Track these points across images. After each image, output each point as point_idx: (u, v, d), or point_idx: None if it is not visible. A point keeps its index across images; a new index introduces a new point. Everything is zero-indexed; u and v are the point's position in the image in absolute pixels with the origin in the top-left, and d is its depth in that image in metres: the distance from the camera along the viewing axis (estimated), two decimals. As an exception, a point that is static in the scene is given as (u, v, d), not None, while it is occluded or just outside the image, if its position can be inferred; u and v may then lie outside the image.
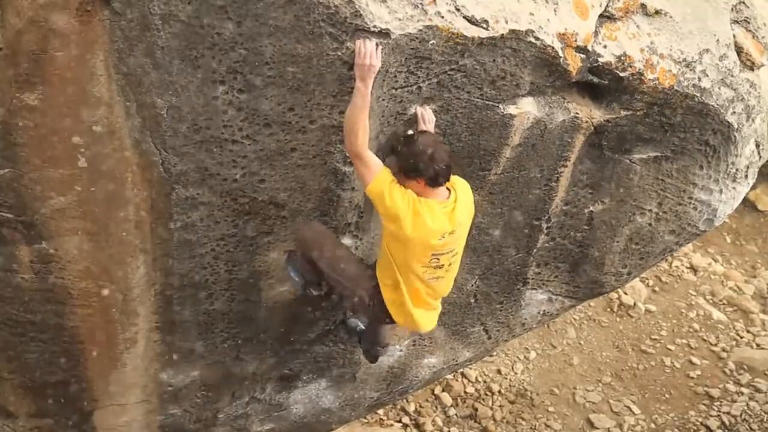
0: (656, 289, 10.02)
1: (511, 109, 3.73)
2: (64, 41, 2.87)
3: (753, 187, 6.76)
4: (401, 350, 5.02)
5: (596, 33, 3.70)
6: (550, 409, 8.24)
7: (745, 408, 8.40)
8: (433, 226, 3.20)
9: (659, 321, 9.53)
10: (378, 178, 3.18)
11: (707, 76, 4.04)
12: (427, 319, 3.68)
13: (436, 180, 3.19)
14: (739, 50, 4.23)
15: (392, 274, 3.41)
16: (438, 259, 3.28)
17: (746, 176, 4.83)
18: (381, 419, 7.82)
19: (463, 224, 3.36)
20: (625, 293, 9.59)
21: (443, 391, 8.22)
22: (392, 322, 3.64)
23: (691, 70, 3.96)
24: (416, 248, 3.26)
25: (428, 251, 3.26)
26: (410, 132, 3.42)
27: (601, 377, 8.70)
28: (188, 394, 4.55)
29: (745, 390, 8.65)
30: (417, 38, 3.21)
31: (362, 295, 3.58)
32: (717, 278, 10.41)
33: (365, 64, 3.05)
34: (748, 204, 11.45)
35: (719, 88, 4.12)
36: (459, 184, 3.42)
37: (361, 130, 3.09)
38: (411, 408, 7.99)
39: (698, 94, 4.04)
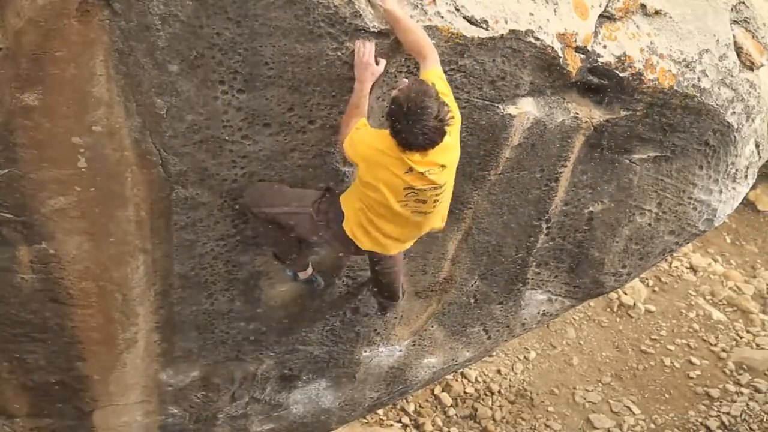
0: (656, 289, 10.02)
1: (511, 110, 3.73)
2: (64, 41, 2.87)
3: (753, 187, 6.77)
4: (401, 350, 5.02)
5: (596, 33, 3.70)
6: (550, 409, 8.25)
7: (745, 408, 8.40)
8: (389, 162, 3.04)
9: (659, 321, 9.53)
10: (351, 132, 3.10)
11: (707, 76, 4.04)
12: (396, 245, 3.50)
13: (407, 146, 2.98)
14: (738, 50, 4.23)
15: (361, 200, 3.29)
16: (416, 194, 3.11)
17: (746, 176, 4.83)
18: (381, 419, 7.82)
19: (449, 162, 3.13)
20: (625, 293, 9.59)
21: (443, 391, 8.22)
22: (358, 251, 3.49)
23: (690, 70, 3.96)
24: (383, 186, 3.14)
25: (399, 189, 3.11)
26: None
27: (600, 377, 8.70)
28: (188, 394, 4.55)
29: (744, 390, 8.65)
30: (417, 38, 3.21)
31: (311, 211, 3.44)
32: (717, 278, 10.41)
33: (364, 64, 3.05)
34: (748, 204, 11.45)
35: (719, 88, 4.12)
36: None
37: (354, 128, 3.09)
38: (411, 408, 8.00)
39: (698, 95, 4.04)
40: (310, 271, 3.95)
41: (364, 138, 3.08)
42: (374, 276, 4.05)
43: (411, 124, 2.84)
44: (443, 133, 2.90)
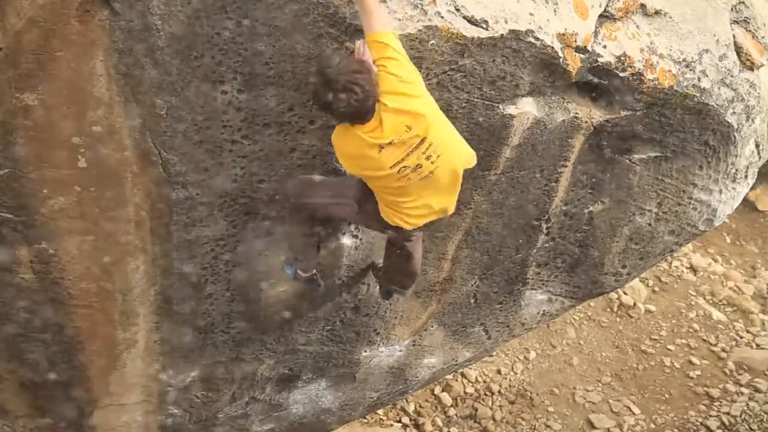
0: (656, 289, 10.03)
1: (511, 110, 3.73)
2: (64, 41, 2.87)
3: (753, 187, 6.76)
4: (401, 350, 5.02)
5: (596, 33, 3.70)
6: (550, 409, 8.25)
7: (745, 408, 8.41)
8: (359, 151, 2.99)
9: (659, 321, 9.53)
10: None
11: (707, 76, 4.04)
12: (430, 206, 3.34)
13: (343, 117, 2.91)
14: (738, 50, 4.23)
15: (374, 190, 3.29)
16: (406, 166, 3.00)
17: (746, 176, 4.83)
18: (381, 419, 7.82)
19: (408, 123, 2.95)
20: (625, 293, 9.60)
21: (443, 391, 8.22)
22: (390, 227, 3.41)
23: (690, 70, 3.96)
24: (370, 176, 3.14)
25: (383, 173, 3.05)
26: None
27: (600, 377, 8.70)
28: (188, 394, 4.55)
29: (744, 390, 8.65)
30: (417, 38, 3.21)
31: (352, 202, 3.44)
32: (717, 278, 10.41)
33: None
34: (748, 204, 11.45)
35: (719, 88, 4.12)
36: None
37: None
38: (411, 408, 8.00)
39: (698, 94, 4.04)
40: (311, 271, 3.93)
41: (337, 146, 3.10)
42: (393, 260, 3.97)
43: (334, 94, 2.79)
44: (361, 84, 2.79)
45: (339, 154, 3.13)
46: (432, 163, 3.06)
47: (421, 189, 3.17)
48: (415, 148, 2.99)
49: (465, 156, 3.26)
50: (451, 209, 3.42)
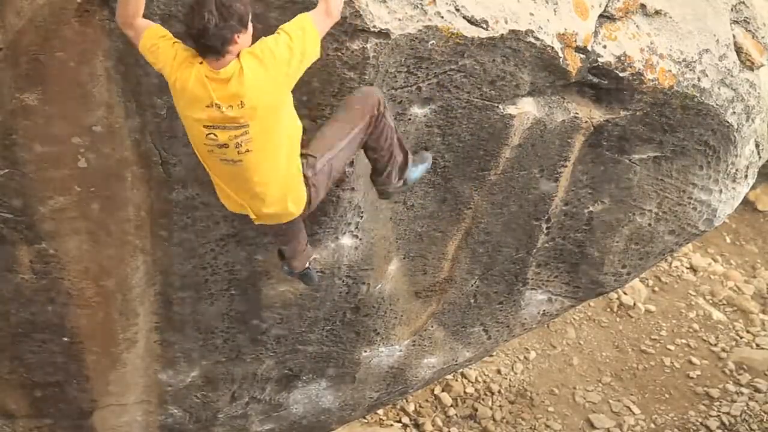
0: (656, 289, 10.03)
1: (511, 110, 3.73)
2: (64, 41, 2.87)
3: (753, 187, 6.77)
4: (401, 350, 5.02)
5: (596, 33, 3.70)
6: (550, 409, 8.25)
7: (745, 408, 8.41)
8: (195, 91, 2.72)
9: (659, 321, 9.53)
10: (146, 34, 2.74)
11: (707, 76, 4.04)
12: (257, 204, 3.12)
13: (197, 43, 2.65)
14: (738, 50, 4.23)
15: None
16: (215, 135, 2.80)
17: (746, 176, 4.83)
18: (381, 419, 7.82)
19: (249, 99, 2.73)
20: (625, 293, 9.59)
21: (443, 391, 8.22)
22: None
23: (690, 70, 3.96)
24: (186, 121, 2.85)
25: (199, 125, 2.80)
26: None
27: (600, 377, 8.70)
28: (188, 394, 4.55)
29: (744, 390, 8.65)
30: (417, 38, 3.21)
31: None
32: (717, 278, 10.41)
33: None
34: (748, 204, 11.44)
35: (719, 88, 4.12)
36: (260, 54, 2.74)
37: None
38: (411, 408, 8.00)
39: (698, 95, 4.04)
40: (306, 264, 3.78)
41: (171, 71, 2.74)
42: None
43: (194, 16, 2.58)
44: (224, 18, 2.57)
45: (155, 58, 2.76)
46: (239, 153, 2.86)
47: (225, 174, 2.97)
48: (233, 128, 2.78)
49: (290, 197, 3.07)
50: (282, 216, 3.16)
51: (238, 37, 2.64)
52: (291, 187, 3.07)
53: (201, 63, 2.69)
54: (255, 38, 2.74)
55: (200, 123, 2.79)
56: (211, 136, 2.80)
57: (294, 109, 2.94)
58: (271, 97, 2.80)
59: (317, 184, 3.15)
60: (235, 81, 2.69)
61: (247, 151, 2.86)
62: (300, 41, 2.75)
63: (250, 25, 2.69)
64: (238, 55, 2.68)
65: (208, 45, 2.61)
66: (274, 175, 3.00)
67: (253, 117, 2.78)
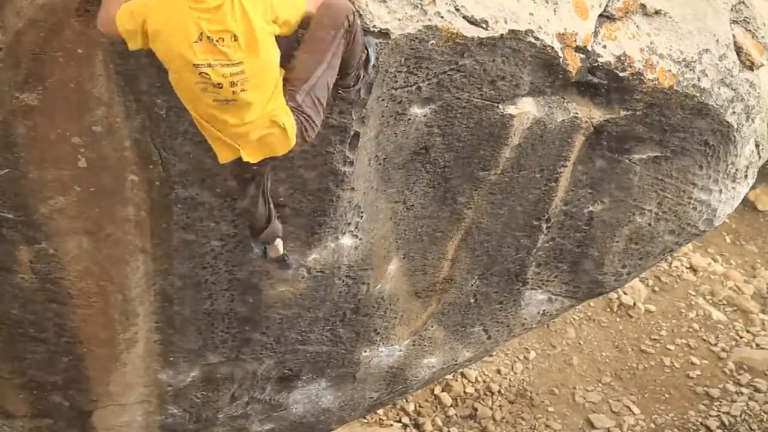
0: (656, 289, 10.03)
1: (511, 110, 3.73)
2: (64, 41, 2.87)
3: (753, 187, 6.76)
4: (401, 350, 5.02)
5: (596, 33, 3.70)
6: (550, 409, 8.25)
7: (745, 408, 8.41)
8: (180, 25, 2.58)
9: (659, 321, 9.53)
10: (118, 13, 2.62)
11: (707, 76, 4.04)
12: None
13: None
14: (738, 50, 4.23)
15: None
16: (208, 75, 2.66)
17: (746, 176, 4.83)
18: (381, 419, 7.83)
19: (243, 34, 2.64)
20: (625, 293, 9.60)
21: (443, 391, 8.22)
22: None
23: (690, 70, 3.97)
24: (173, 63, 2.70)
25: (188, 64, 2.66)
26: None
27: (600, 377, 8.70)
28: (188, 394, 4.55)
29: (744, 390, 8.66)
30: (417, 38, 3.21)
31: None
32: (717, 278, 10.42)
33: None
34: (748, 204, 11.46)
35: (719, 88, 4.12)
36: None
37: None
38: (411, 408, 8.00)
39: (698, 94, 4.04)
40: (281, 250, 3.65)
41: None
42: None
43: None
44: None
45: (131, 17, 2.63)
46: (233, 93, 2.74)
47: (216, 115, 2.83)
48: (227, 65, 2.66)
49: (260, 112, 2.86)
50: (275, 145, 2.99)
51: None
52: (279, 117, 2.90)
53: None
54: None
55: (189, 63, 2.62)
56: (204, 74, 2.66)
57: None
58: (264, 34, 2.66)
59: (307, 113, 2.99)
60: (226, 10, 2.54)
61: (243, 90, 2.74)
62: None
63: None
64: None
65: None
66: (263, 112, 2.85)
67: (250, 59, 2.65)
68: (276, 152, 3.01)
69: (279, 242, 3.61)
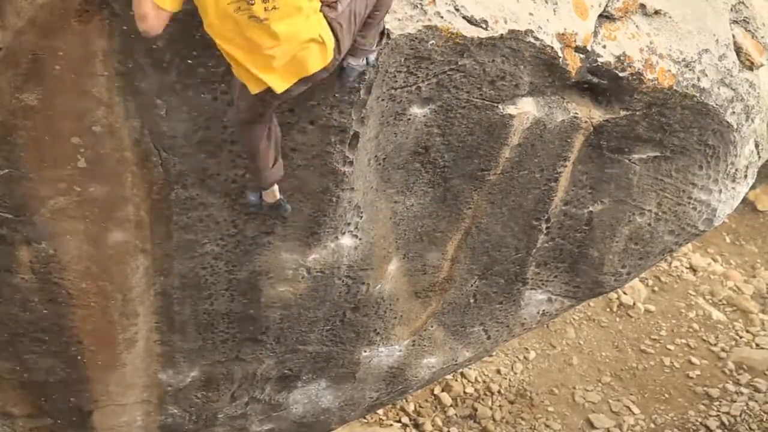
0: (656, 289, 10.03)
1: (511, 110, 3.73)
2: (64, 41, 2.87)
3: (752, 187, 6.78)
4: (401, 350, 5.02)
5: (595, 33, 3.70)
6: (550, 409, 8.25)
7: (745, 408, 8.41)
8: None
9: (659, 321, 9.54)
10: None
11: (706, 76, 4.04)
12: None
13: None
14: (738, 50, 4.24)
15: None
16: None
17: (745, 176, 4.83)
18: (380, 419, 7.83)
19: None
20: (625, 293, 9.60)
21: (443, 391, 8.22)
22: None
23: (690, 70, 3.97)
24: None
25: None
26: None
27: (600, 377, 8.70)
28: (188, 394, 4.55)
29: (744, 390, 8.66)
30: (416, 38, 3.21)
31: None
32: (716, 278, 10.42)
33: None
34: (747, 204, 11.46)
35: (718, 88, 4.12)
36: None
37: None
38: (410, 408, 8.00)
39: (697, 94, 4.04)
40: (277, 194, 3.61)
41: None
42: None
43: None
44: None
45: None
46: (265, 13, 2.75)
47: (245, 39, 2.80)
48: None
49: (322, 43, 2.89)
50: (309, 62, 2.93)
51: None
52: (315, 32, 2.88)
53: None
54: None
55: None
56: None
57: None
58: None
59: (342, 25, 2.97)
60: None
61: (274, 8, 2.74)
62: None
63: None
64: None
65: None
66: (297, 28, 2.84)
67: None
68: (308, 70, 2.96)
69: (275, 187, 3.56)
